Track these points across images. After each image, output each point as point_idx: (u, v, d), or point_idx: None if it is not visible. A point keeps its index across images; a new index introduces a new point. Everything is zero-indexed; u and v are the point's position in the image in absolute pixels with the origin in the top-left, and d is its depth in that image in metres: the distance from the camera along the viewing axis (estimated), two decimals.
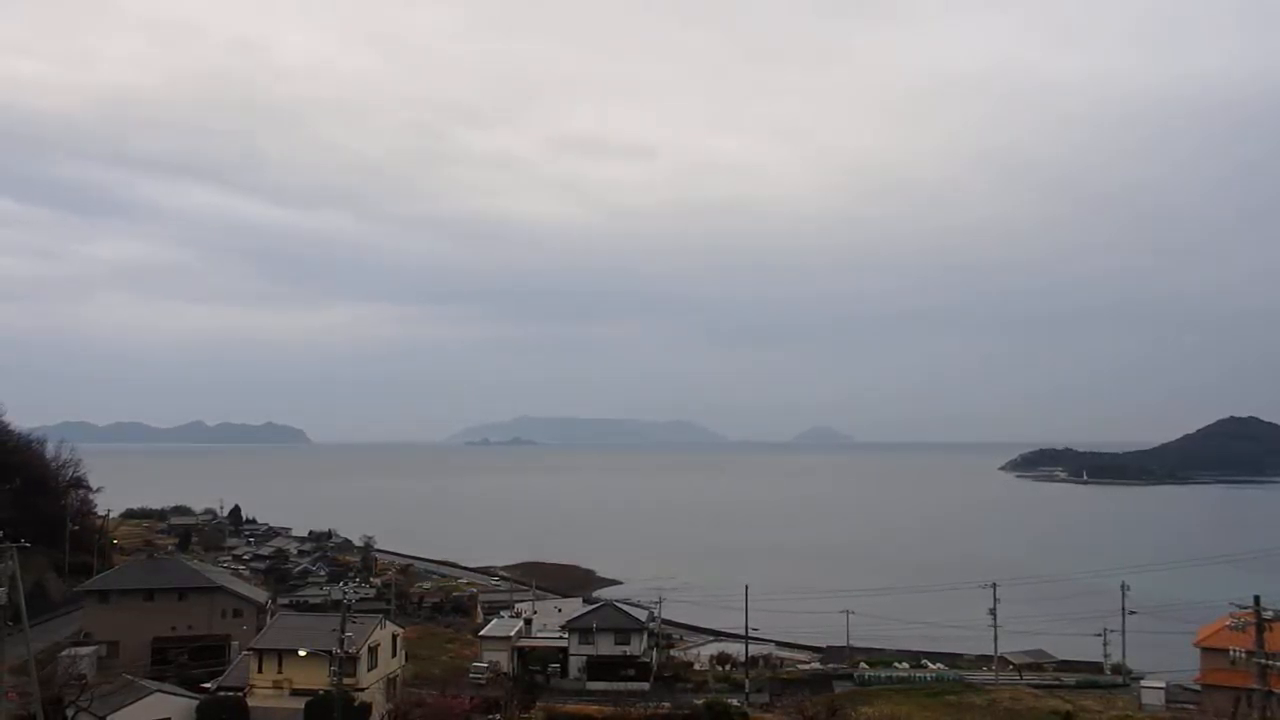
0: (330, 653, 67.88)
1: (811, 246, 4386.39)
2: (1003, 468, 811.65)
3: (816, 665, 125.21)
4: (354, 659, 73.55)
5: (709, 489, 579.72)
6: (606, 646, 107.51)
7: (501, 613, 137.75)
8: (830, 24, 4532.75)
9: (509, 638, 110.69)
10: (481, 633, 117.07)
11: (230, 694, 76.93)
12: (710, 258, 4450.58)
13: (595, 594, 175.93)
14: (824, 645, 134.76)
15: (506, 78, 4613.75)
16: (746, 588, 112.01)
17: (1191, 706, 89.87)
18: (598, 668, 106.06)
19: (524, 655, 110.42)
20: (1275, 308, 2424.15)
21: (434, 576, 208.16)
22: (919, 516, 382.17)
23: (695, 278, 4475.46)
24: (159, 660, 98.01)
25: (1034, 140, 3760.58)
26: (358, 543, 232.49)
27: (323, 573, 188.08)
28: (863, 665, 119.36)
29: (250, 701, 74.79)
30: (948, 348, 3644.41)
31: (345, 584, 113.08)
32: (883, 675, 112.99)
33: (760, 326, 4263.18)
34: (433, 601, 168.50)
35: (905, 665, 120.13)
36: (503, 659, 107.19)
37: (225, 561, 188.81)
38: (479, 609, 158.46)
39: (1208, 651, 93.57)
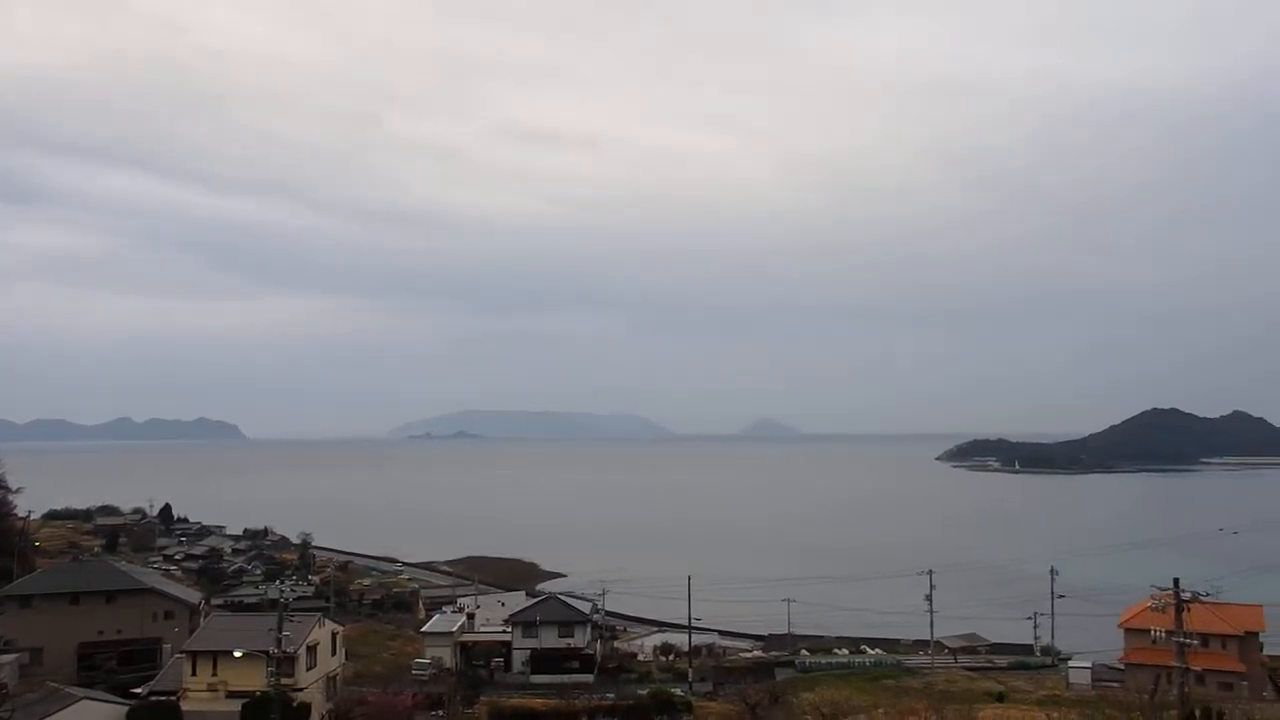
0: (267, 653, 66.99)
1: (758, 239, 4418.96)
2: (939, 458, 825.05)
3: (759, 653, 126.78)
4: (292, 659, 72.63)
5: (654, 481, 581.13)
6: (550, 639, 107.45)
7: (444, 608, 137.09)
8: (780, 18, 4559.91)
9: (452, 633, 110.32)
10: (424, 629, 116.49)
11: (162, 698, 75.46)
12: (657, 250, 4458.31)
13: (539, 587, 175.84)
14: (766, 633, 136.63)
15: (447, 65, 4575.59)
16: (689, 578, 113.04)
17: (1115, 685, 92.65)
18: (542, 661, 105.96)
19: (467, 650, 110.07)
20: (1196, 303, 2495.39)
21: (375, 573, 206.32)
22: (858, 506, 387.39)
23: (641, 270, 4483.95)
24: (86, 666, 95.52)
25: (976, 137, 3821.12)
26: (295, 540, 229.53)
27: (259, 571, 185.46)
28: (804, 652, 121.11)
29: (184, 705, 73.49)
30: (891, 340, 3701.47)
31: (282, 582, 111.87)
32: (823, 662, 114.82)
33: (706, 319, 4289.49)
34: (374, 598, 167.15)
35: (845, 651, 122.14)
36: (446, 655, 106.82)
37: (156, 562, 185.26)
38: (421, 605, 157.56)
39: (1131, 632, 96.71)
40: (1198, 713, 45.31)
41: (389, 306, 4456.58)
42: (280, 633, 66.02)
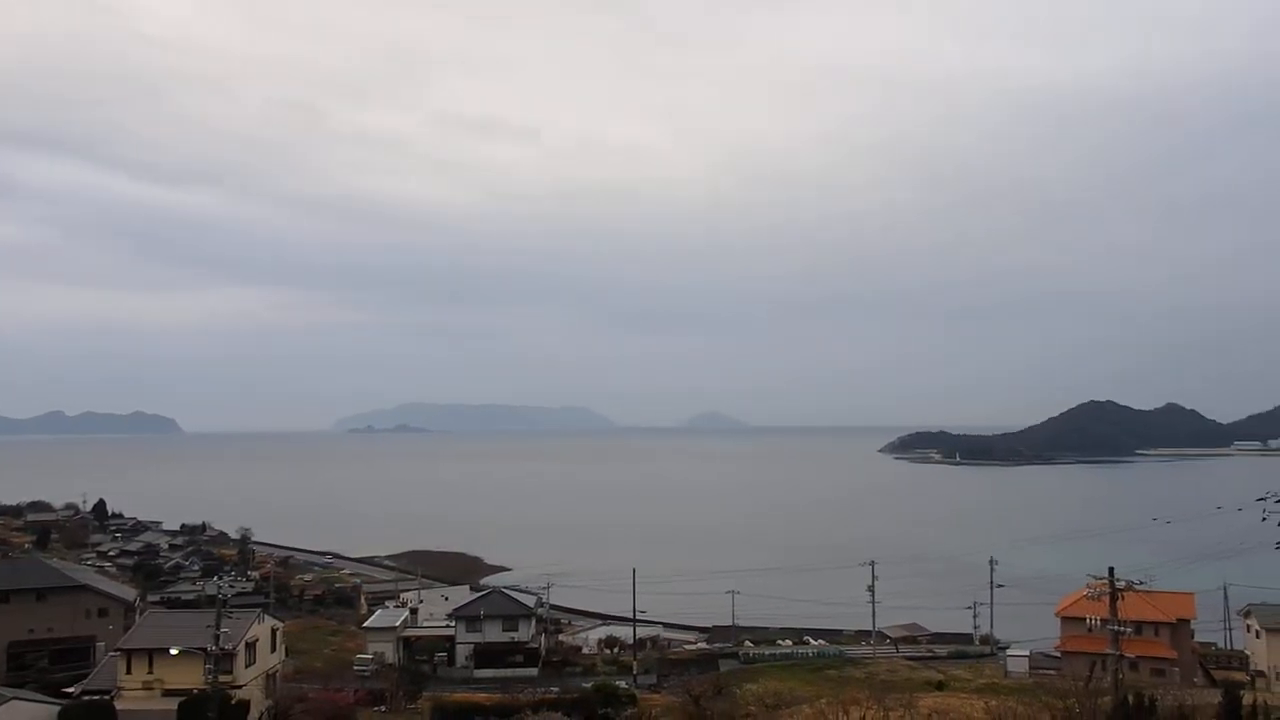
0: (205, 650, 65.80)
1: (703, 231, 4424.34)
2: (882, 450, 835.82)
3: (703, 645, 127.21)
4: (231, 656, 71.38)
5: (599, 474, 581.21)
6: (494, 634, 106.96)
7: (387, 603, 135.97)
8: (722, 11, 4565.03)
9: (394, 628, 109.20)
10: (366, 624, 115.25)
11: (96, 698, 73.67)
12: (601, 242, 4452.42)
13: (483, 581, 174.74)
14: (710, 625, 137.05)
15: (389, 54, 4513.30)
16: (634, 571, 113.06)
17: (1052, 672, 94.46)
18: (485, 655, 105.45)
19: (410, 645, 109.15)
20: (1131, 298, 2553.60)
21: (316, 568, 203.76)
22: (802, 498, 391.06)
23: (586, 262, 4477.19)
24: (16, 665, 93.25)
25: (919, 132, 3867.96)
26: (234, 535, 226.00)
27: (196, 567, 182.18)
28: (747, 644, 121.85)
29: (118, 704, 71.80)
30: (834, 334, 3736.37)
31: (220, 578, 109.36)
32: (767, 653, 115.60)
33: (652, 312, 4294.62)
34: (315, 594, 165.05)
35: (788, 643, 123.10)
36: (388, 650, 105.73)
37: (89, 559, 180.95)
38: (363, 600, 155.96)
39: (1067, 620, 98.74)
40: (1130, 699, 46.23)
41: (330, 299, 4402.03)
42: (218, 629, 64.87)
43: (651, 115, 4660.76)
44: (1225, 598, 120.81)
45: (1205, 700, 64.53)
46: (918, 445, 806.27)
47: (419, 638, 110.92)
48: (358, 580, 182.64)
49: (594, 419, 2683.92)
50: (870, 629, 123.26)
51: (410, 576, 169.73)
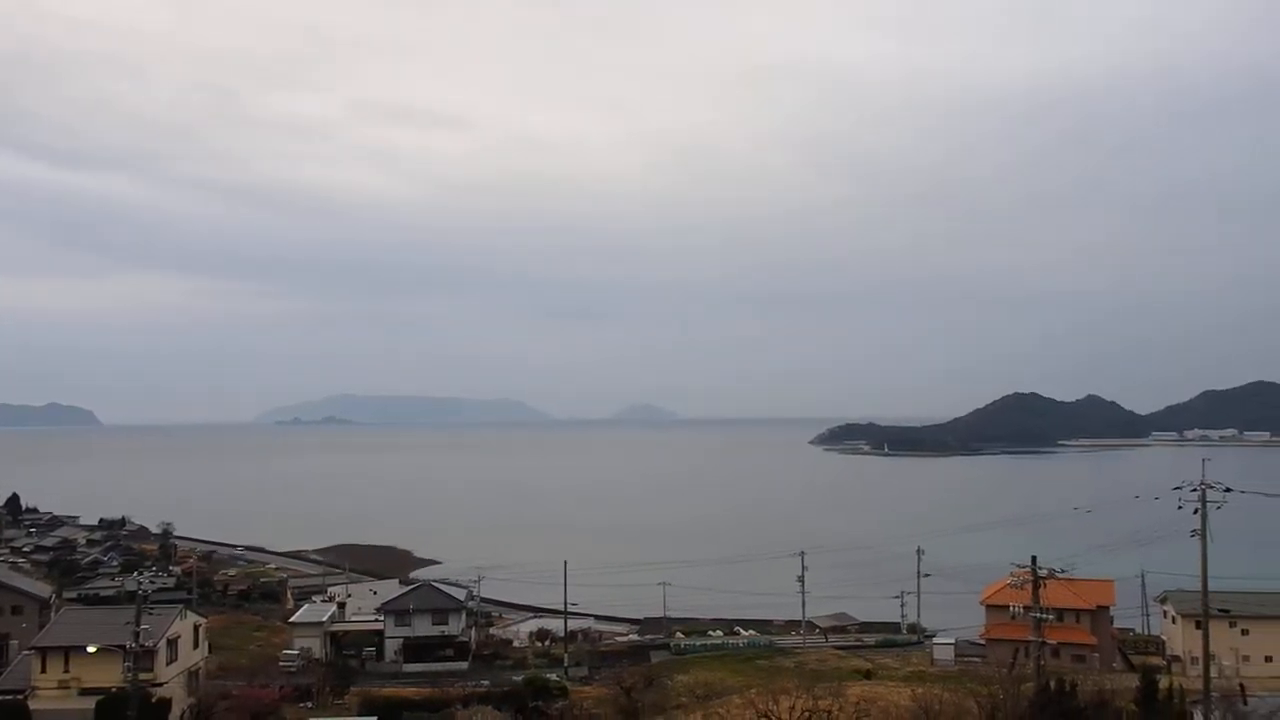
0: (124, 648, 64.09)
1: (635, 224, 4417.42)
2: (812, 442, 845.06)
3: (634, 637, 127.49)
4: (151, 653, 69.68)
5: (530, 466, 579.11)
6: (424, 627, 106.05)
7: (314, 597, 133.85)
8: (660, 4, 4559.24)
9: (321, 623, 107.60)
10: (292, 619, 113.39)
11: (8, 698, 71.42)
12: (533, 234, 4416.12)
13: (413, 575, 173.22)
14: (642, 617, 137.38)
15: (306, 37, 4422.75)
16: (565, 563, 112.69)
17: (977, 660, 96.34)
18: (415, 649, 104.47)
19: (338, 640, 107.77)
20: (1056, 290, 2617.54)
21: (240, 563, 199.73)
22: (732, 489, 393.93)
23: (519, 253, 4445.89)
24: None
25: (852, 129, 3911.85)
26: (155, 530, 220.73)
27: (115, 563, 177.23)
28: (679, 635, 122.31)
29: (32, 704, 69.68)
30: (767, 327, 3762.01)
31: (141, 574, 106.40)
32: (698, 644, 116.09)
33: (584, 304, 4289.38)
34: (239, 589, 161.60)
35: (719, 633, 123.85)
36: (315, 645, 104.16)
37: (2, 555, 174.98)
38: (289, 594, 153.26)
39: (991, 608, 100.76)
40: (1052, 684, 47.20)
41: (255, 288, 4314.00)
42: (138, 626, 63.38)
43: (586, 106, 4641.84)
44: (1143, 585, 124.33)
45: (1123, 685, 66.18)
46: (848, 437, 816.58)
47: (347, 632, 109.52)
48: (284, 575, 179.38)
49: (526, 411, 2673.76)
50: (800, 619, 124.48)
51: (338, 570, 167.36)
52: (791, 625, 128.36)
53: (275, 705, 77.92)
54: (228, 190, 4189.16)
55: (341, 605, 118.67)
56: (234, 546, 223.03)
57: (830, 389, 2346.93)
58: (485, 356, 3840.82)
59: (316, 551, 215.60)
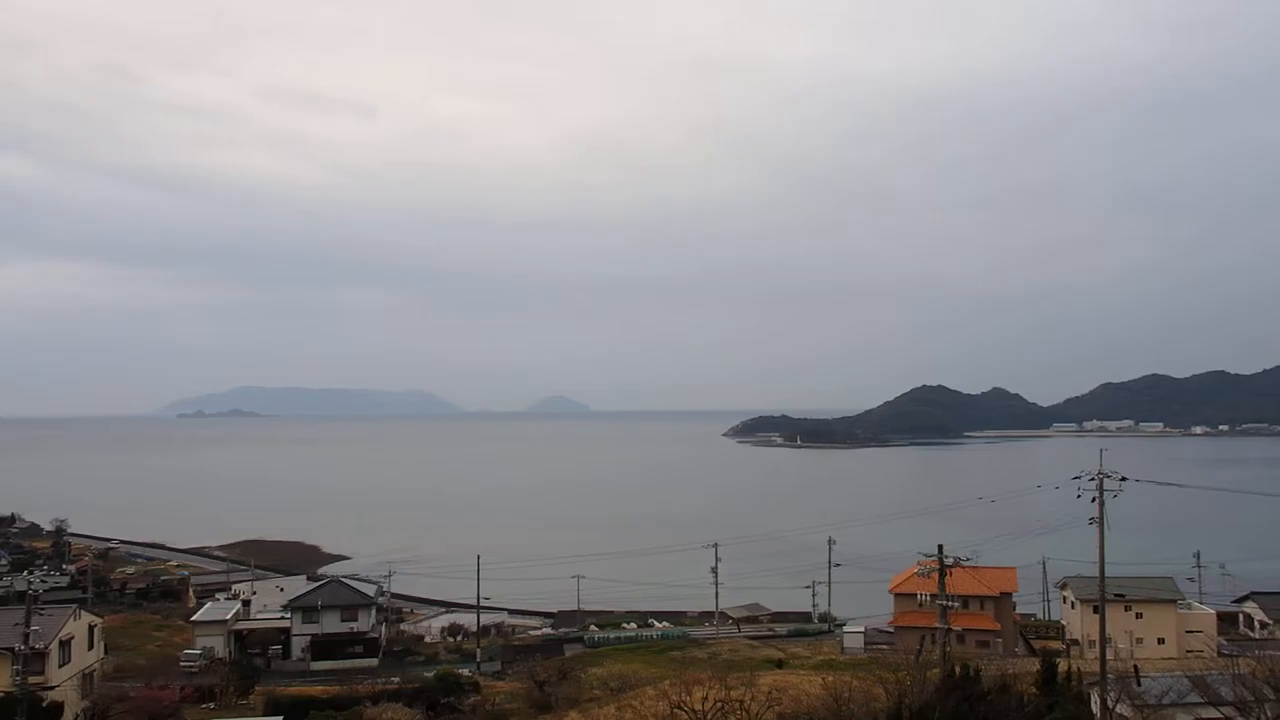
0: (13, 650, 61.28)
1: (546, 212, 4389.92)
2: (726, 434, 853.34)
3: (548, 630, 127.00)
4: (42, 655, 66.84)
5: (443, 459, 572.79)
6: (332, 624, 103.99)
7: (217, 595, 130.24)
8: None
9: (225, 621, 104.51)
10: (194, 618, 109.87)
11: None
12: (444, 222, 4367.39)
13: (321, 571, 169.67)
14: (556, 610, 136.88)
15: (211, 19, 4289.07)
16: (479, 557, 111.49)
17: (885, 647, 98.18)
18: (323, 646, 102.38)
19: (242, 638, 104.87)
20: (959, 285, 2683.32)
21: (139, 560, 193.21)
22: (647, 481, 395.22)
23: (429, 242, 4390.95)
24: None
25: (757, 118, 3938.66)
26: (48, 527, 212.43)
27: (4, 561, 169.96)
28: (593, 628, 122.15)
29: None
30: (680, 319, 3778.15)
31: (32, 572, 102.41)
32: (611, 636, 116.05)
33: (496, 294, 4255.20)
34: (138, 587, 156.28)
35: (633, 625, 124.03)
36: (219, 644, 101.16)
37: None
38: (191, 592, 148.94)
39: (900, 597, 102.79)
40: (957, 670, 48.15)
41: (158, 277, 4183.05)
42: (28, 627, 60.62)
43: (496, 95, 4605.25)
44: (1044, 571, 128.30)
45: (1025, 669, 67.92)
46: (760, 429, 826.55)
47: (252, 630, 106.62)
48: (186, 572, 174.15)
49: (438, 403, 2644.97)
50: (714, 610, 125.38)
51: (243, 567, 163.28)
52: (705, 616, 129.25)
53: (175, 707, 75.49)
54: (129, 175, 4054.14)
55: (246, 603, 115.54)
56: (133, 543, 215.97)
57: (744, 382, 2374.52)
58: (396, 348, 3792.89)
59: (220, 548, 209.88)
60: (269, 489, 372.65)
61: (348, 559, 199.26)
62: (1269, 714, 42.84)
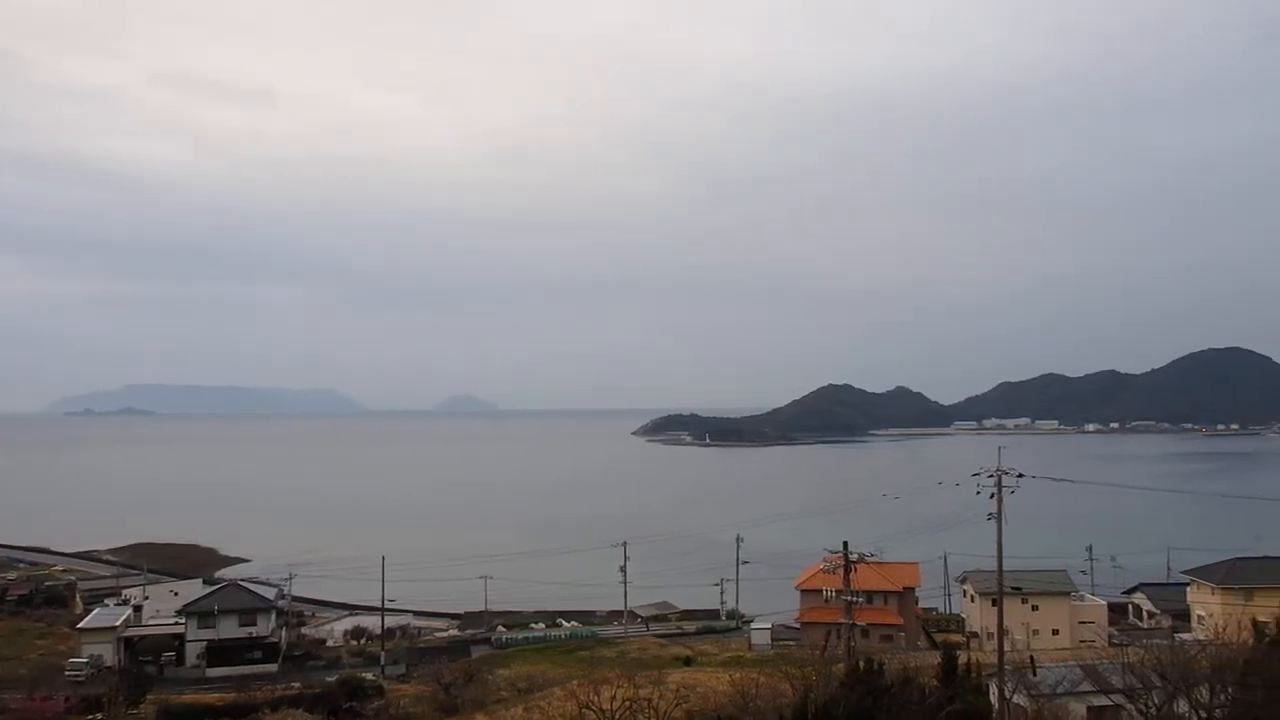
0: None
1: (453, 209, 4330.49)
2: (635, 433, 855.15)
3: (455, 632, 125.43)
4: None
5: (346, 459, 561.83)
6: (230, 629, 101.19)
7: (107, 601, 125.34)
8: None
9: (114, 628, 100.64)
10: (81, 624, 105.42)
11: None
12: (348, 216, 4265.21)
13: (218, 574, 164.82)
14: (463, 611, 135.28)
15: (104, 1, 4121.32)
16: (383, 558, 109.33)
17: (792, 643, 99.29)
18: (220, 652, 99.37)
19: (133, 646, 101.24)
20: (866, 286, 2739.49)
21: (21, 565, 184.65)
22: (555, 480, 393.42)
23: (332, 237, 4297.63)
24: None
25: (677, 120, 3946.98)
26: None
27: None
28: (500, 629, 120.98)
29: None
30: (589, 317, 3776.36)
31: None
32: (519, 637, 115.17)
33: (402, 291, 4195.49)
34: (20, 593, 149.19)
35: (542, 625, 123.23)
36: (107, 652, 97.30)
37: None
38: (78, 598, 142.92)
39: (806, 593, 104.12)
40: (861, 664, 48.64)
41: (46, 269, 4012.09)
42: None
43: (400, 87, 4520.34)
44: (945, 566, 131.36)
45: (927, 662, 69.14)
46: (670, 428, 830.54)
47: (144, 637, 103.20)
48: (72, 577, 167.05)
49: (341, 402, 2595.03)
50: (622, 609, 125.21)
51: (135, 571, 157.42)
52: (614, 615, 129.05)
53: (59, 717, 72.23)
54: (12, 160, 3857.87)
55: (138, 608, 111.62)
56: (14, 548, 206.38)
57: (654, 381, 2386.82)
58: (299, 346, 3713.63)
59: (110, 551, 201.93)
60: (162, 490, 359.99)
61: (247, 561, 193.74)
62: (1156, 701, 44.19)
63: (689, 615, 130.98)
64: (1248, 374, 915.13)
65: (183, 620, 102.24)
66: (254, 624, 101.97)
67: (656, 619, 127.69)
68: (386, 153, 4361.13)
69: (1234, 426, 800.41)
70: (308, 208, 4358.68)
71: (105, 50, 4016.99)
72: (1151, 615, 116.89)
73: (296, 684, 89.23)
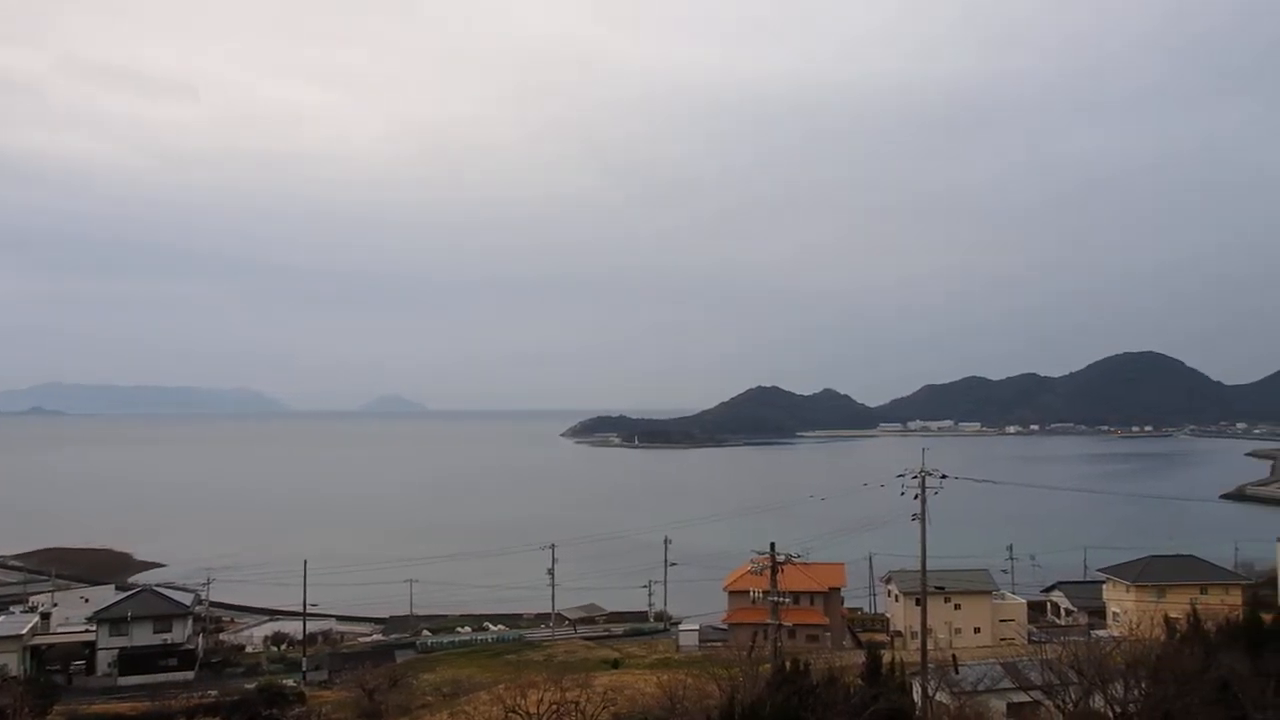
0: None
1: (383, 207, 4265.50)
2: (564, 434, 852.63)
3: (379, 637, 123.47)
4: None
5: (268, 460, 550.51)
6: (144, 636, 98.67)
7: (12, 608, 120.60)
8: None
9: (20, 636, 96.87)
10: None
11: None
12: (271, 212, 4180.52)
13: (132, 580, 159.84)
14: (387, 616, 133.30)
15: None
16: (305, 562, 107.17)
17: (719, 644, 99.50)
18: (133, 660, 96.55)
19: (40, 654, 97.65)
20: (795, 289, 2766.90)
21: None
22: (483, 482, 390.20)
23: (256, 233, 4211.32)
24: None
25: (605, 120, 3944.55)
26: None
27: None
28: (426, 633, 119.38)
29: None
30: (518, 317, 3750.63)
31: None
32: (445, 641, 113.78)
33: (328, 289, 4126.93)
34: None
35: (468, 629, 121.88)
36: (12, 661, 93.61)
37: None
38: None
39: (733, 594, 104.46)
40: (787, 665, 48.78)
41: None
42: None
43: (328, 83, 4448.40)
44: (870, 566, 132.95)
45: (852, 661, 69.76)
46: (599, 429, 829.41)
47: (52, 645, 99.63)
48: None
49: (265, 402, 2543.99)
50: (550, 611, 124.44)
51: (43, 577, 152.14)
52: (541, 618, 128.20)
53: None
54: None
55: (46, 615, 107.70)
56: None
57: (584, 382, 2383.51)
58: (220, 343, 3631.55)
59: (16, 557, 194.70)
60: (71, 493, 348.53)
61: (162, 567, 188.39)
62: (1073, 696, 45.05)
63: (617, 617, 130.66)
64: (1161, 377, 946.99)
65: (94, 627, 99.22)
66: (169, 630, 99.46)
67: (584, 621, 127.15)
68: (312, 148, 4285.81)
69: (1148, 428, 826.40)
70: (231, 202, 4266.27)
71: (20, 40, 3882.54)
72: (1069, 613, 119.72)
73: (213, 691, 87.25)
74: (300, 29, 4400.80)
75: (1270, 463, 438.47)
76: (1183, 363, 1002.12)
